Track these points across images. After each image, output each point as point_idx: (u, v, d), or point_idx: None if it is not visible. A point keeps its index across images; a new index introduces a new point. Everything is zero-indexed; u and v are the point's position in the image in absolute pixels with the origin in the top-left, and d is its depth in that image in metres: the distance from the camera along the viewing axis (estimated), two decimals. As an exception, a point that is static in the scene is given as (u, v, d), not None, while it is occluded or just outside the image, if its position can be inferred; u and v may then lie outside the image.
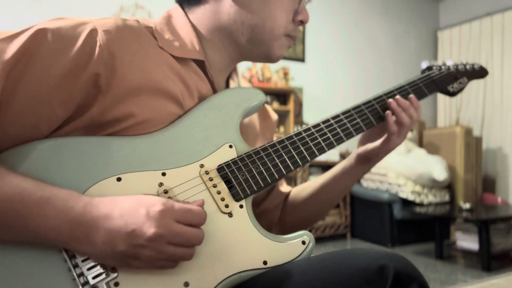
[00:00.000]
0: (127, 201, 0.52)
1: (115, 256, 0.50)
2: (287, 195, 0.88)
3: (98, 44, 0.57)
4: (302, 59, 4.15)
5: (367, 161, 0.82)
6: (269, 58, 0.72)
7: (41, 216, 0.49)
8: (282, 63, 3.88)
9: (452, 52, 4.90)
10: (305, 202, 0.85)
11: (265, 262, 0.57)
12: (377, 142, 0.79)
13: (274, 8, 0.66)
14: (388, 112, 0.77)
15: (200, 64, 0.68)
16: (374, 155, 0.80)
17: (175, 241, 0.51)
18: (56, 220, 0.50)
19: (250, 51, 0.70)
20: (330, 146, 0.72)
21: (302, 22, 0.71)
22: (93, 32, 0.57)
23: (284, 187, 0.89)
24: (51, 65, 0.55)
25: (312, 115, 4.01)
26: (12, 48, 0.53)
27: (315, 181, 0.86)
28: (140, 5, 3.27)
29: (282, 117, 3.71)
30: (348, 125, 0.74)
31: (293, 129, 3.63)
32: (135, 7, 3.27)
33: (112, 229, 0.50)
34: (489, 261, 2.81)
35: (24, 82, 0.53)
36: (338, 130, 0.73)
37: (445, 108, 4.93)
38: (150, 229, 0.49)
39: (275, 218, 0.86)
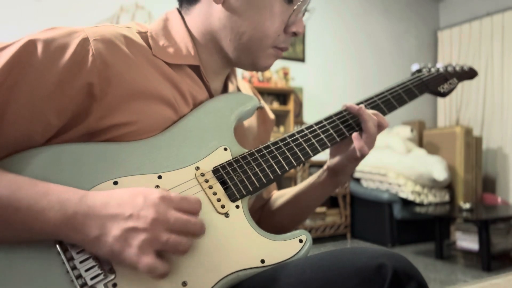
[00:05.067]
0: (124, 192, 0.53)
1: (106, 244, 0.49)
2: (268, 198, 0.89)
3: (90, 53, 0.57)
4: (302, 59, 4.15)
5: (335, 174, 0.81)
6: (255, 67, 0.71)
7: (37, 210, 0.50)
8: (282, 63, 3.88)
9: (452, 52, 4.89)
10: (280, 209, 0.86)
11: (262, 261, 0.57)
12: (345, 154, 0.78)
13: (263, 18, 0.65)
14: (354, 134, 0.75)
15: (196, 69, 0.69)
16: (341, 167, 0.79)
17: (173, 227, 0.51)
18: (51, 212, 0.50)
19: (237, 59, 0.70)
20: (324, 146, 0.73)
21: (296, 34, 0.69)
22: (85, 41, 0.57)
23: (269, 192, 0.90)
24: (43, 75, 0.55)
25: (312, 115, 4.01)
26: (2, 60, 0.53)
27: (291, 190, 0.87)
28: (140, 5, 3.27)
29: (282, 117, 3.71)
30: (341, 126, 0.75)
31: (293, 129, 3.63)
32: (135, 7, 3.27)
33: (109, 215, 0.50)
34: (489, 261, 2.81)
35: (16, 93, 0.54)
36: (332, 131, 0.74)
37: (445, 108, 4.93)
38: (148, 213, 0.50)
39: (254, 220, 0.86)
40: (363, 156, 0.75)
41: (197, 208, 0.54)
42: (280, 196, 0.88)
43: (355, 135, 0.74)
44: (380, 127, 0.77)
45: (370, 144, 0.75)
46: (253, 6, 0.65)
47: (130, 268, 0.52)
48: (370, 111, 0.76)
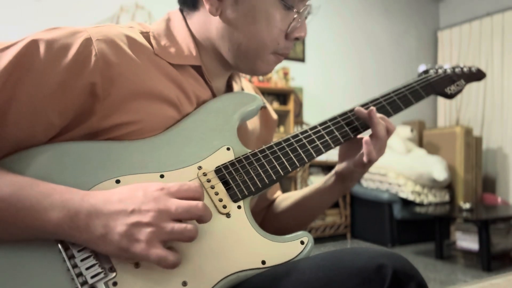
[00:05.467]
0: (124, 188, 0.53)
1: (113, 241, 0.50)
2: (273, 200, 0.89)
3: (93, 53, 0.57)
4: (302, 59, 4.15)
5: (342, 179, 0.80)
6: (255, 73, 0.71)
7: (39, 210, 0.50)
8: (282, 63, 3.87)
9: (452, 52, 4.89)
10: (284, 212, 0.86)
11: (263, 262, 0.57)
12: (353, 159, 0.77)
13: (260, 28, 0.65)
14: (365, 139, 0.73)
15: (198, 69, 0.69)
16: (349, 172, 0.78)
17: (176, 215, 0.51)
18: (54, 212, 0.50)
19: (236, 65, 0.70)
20: (328, 147, 0.72)
21: (298, 39, 0.69)
22: (87, 41, 0.57)
23: (273, 193, 0.89)
24: (45, 75, 0.55)
25: (312, 115, 4.01)
26: (5, 60, 0.53)
27: (297, 193, 0.86)
28: (140, 5, 3.27)
29: (282, 117, 3.71)
30: (346, 127, 0.75)
31: (293, 129, 3.64)
32: (135, 7, 3.27)
33: (112, 212, 0.50)
34: (489, 261, 2.81)
35: (18, 93, 0.54)
36: (336, 132, 0.74)
37: (445, 108, 4.93)
38: (149, 207, 0.50)
39: (257, 221, 0.86)
40: (370, 162, 0.73)
41: (197, 192, 0.54)
42: (285, 198, 0.88)
43: (366, 139, 0.73)
44: (388, 132, 0.75)
45: (379, 149, 0.73)
46: (249, 17, 0.64)
47: (130, 267, 0.52)
48: (377, 115, 0.75)
